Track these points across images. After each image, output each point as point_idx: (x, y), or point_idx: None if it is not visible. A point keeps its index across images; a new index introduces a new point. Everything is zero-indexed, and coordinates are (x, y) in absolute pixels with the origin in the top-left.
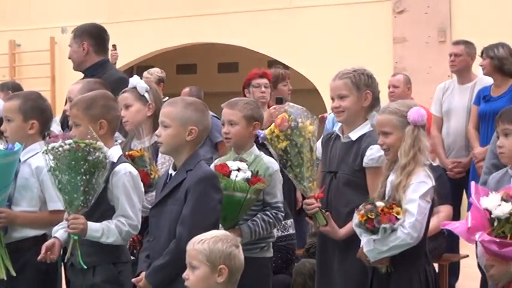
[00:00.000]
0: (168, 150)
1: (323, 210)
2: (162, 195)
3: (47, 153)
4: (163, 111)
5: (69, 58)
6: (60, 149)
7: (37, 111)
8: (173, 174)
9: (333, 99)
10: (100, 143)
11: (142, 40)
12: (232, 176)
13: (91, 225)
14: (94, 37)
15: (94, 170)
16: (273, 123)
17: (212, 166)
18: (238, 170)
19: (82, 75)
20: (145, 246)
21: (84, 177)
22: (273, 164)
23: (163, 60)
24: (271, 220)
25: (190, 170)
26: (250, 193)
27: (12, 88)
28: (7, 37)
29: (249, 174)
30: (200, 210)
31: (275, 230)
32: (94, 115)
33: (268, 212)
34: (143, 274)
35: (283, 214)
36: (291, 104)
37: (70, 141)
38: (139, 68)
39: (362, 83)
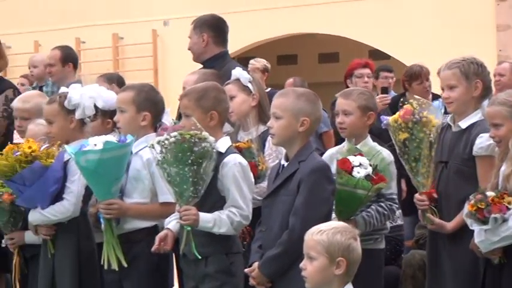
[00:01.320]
0: (280, 142)
1: (433, 208)
2: (274, 186)
3: (153, 147)
4: (275, 103)
5: (189, 49)
6: (166, 141)
7: (150, 103)
8: (285, 165)
9: (442, 89)
10: (205, 133)
11: (244, 31)
12: (355, 172)
13: (203, 215)
14: (214, 28)
15: (201, 160)
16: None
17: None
18: (360, 165)
19: (185, 67)
20: (258, 237)
21: (192, 168)
22: (389, 155)
23: (264, 51)
24: (385, 212)
25: (303, 160)
26: (372, 191)
27: (117, 81)
28: (110, 30)
29: (370, 170)
30: (313, 201)
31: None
32: (205, 106)
33: (382, 204)
34: (256, 265)
35: (397, 206)
36: (417, 97)
37: (175, 133)
38: (239, 59)
39: (471, 72)
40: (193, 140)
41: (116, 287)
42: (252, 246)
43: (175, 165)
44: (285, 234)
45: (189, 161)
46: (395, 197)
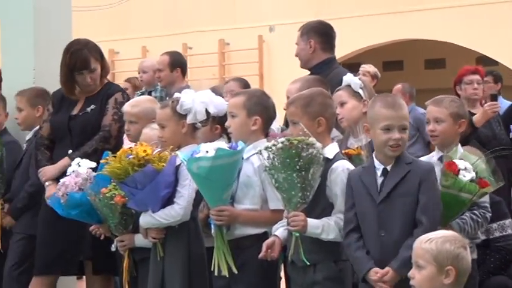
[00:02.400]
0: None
1: None
2: (387, 191)
3: (261, 153)
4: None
5: (296, 56)
6: (274, 147)
7: (261, 108)
8: (389, 169)
9: None
10: (312, 139)
11: (350, 37)
12: (461, 175)
13: (311, 221)
14: (321, 34)
15: (309, 166)
16: None
17: None
18: (465, 169)
19: (291, 73)
20: (359, 245)
21: (299, 174)
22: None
23: (370, 57)
24: (479, 220)
25: (409, 162)
26: (477, 196)
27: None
28: (217, 36)
29: (473, 174)
30: (437, 200)
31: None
32: (312, 112)
33: (476, 211)
34: (388, 269)
35: (490, 214)
36: None
37: (283, 139)
38: (344, 65)
39: None
40: (300, 146)
41: None
42: (357, 254)
43: (283, 171)
44: (419, 232)
45: (297, 167)
46: (487, 205)
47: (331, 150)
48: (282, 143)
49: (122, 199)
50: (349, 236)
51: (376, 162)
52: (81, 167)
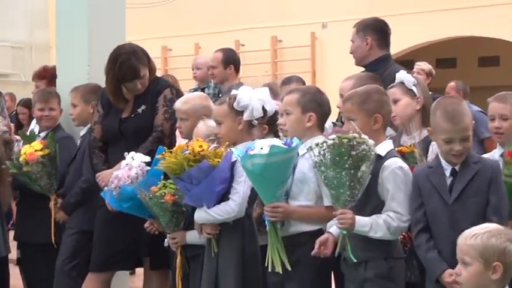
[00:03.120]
0: None
1: None
2: (458, 191)
3: (312, 150)
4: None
5: (351, 53)
6: (325, 144)
7: (315, 104)
8: (457, 170)
9: None
10: (364, 136)
11: (403, 34)
12: None
13: (359, 219)
14: (377, 31)
15: (359, 164)
16: None
17: None
18: None
19: (343, 70)
20: (430, 246)
21: (349, 172)
22: None
23: (423, 54)
24: None
25: (477, 162)
26: None
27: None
28: (269, 33)
29: None
30: (505, 200)
31: None
32: (369, 109)
33: None
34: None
35: None
36: None
37: (333, 136)
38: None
39: None
40: (351, 144)
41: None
42: (429, 255)
43: (333, 168)
44: None
45: (346, 165)
46: None
47: (384, 147)
48: (333, 140)
49: (172, 197)
50: (420, 237)
51: (443, 162)
52: (134, 161)
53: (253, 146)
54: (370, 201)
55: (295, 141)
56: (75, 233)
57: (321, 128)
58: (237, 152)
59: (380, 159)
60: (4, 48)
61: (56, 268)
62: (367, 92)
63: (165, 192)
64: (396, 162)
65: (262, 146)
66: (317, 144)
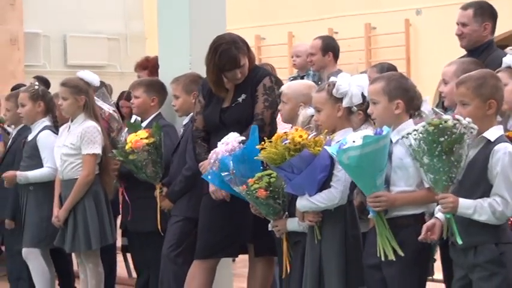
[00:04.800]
0: None
1: None
2: None
3: (406, 137)
4: None
5: (459, 35)
6: (417, 132)
7: (401, 91)
8: None
9: None
10: (458, 117)
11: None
12: None
13: (463, 202)
14: (494, 17)
15: (454, 147)
16: None
17: None
18: None
19: (437, 56)
20: None
21: (441, 158)
22: None
23: None
24: None
25: None
26: None
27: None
28: (363, 20)
29: None
30: None
31: None
32: (484, 94)
33: None
34: None
35: None
36: None
37: (424, 123)
38: None
39: None
40: (440, 129)
41: (377, 271)
42: None
43: (428, 154)
44: None
45: (437, 152)
46: None
47: (494, 132)
48: (423, 127)
49: (265, 192)
50: None
51: None
52: (229, 138)
53: (345, 140)
54: (480, 187)
55: (386, 129)
56: (180, 221)
57: (409, 112)
58: (331, 149)
59: (490, 144)
60: (100, 40)
61: (162, 255)
62: (483, 77)
63: (256, 189)
64: (506, 147)
65: (354, 139)
66: (411, 132)
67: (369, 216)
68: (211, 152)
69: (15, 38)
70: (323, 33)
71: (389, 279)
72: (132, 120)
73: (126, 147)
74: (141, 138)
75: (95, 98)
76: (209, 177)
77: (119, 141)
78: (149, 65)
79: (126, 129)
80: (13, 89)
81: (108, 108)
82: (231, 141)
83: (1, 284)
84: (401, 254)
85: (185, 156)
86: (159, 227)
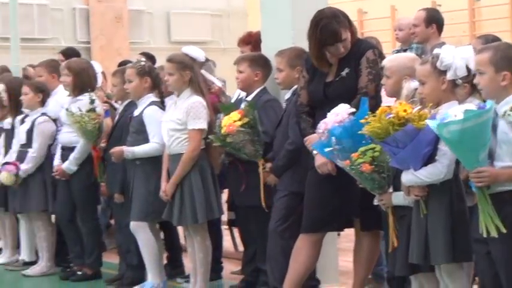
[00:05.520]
0: None
1: None
2: None
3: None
4: None
5: None
6: None
7: (508, 62)
8: None
9: None
10: None
11: None
12: None
13: None
14: None
15: None
16: None
17: None
18: None
19: None
20: None
21: None
22: None
23: None
24: None
25: None
26: None
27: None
28: None
29: None
30: None
31: None
32: None
33: None
34: None
35: None
36: None
37: None
38: None
39: None
40: None
41: (485, 245)
42: None
43: None
44: None
45: None
46: None
47: None
48: None
49: (370, 167)
50: None
51: None
52: (339, 108)
53: (447, 115)
54: None
55: (489, 104)
56: (285, 195)
57: None
58: (431, 123)
59: None
60: (203, 16)
61: (269, 230)
62: None
63: (360, 163)
64: None
65: (455, 113)
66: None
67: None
68: (321, 122)
69: (119, 16)
70: (426, 5)
71: (495, 256)
72: (236, 95)
73: (222, 131)
74: (234, 121)
75: (204, 72)
76: (318, 148)
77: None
78: (252, 40)
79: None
80: (119, 65)
81: (217, 82)
82: (341, 112)
83: (111, 256)
84: (504, 230)
85: (288, 130)
86: (263, 202)
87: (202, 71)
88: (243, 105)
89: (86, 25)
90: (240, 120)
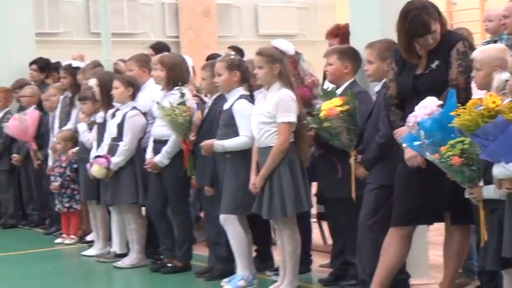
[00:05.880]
0: None
1: None
2: None
3: None
4: None
5: None
6: None
7: None
8: None
9: None
10: None
11: None
12: None
13: None
14: None
15: None
16: None
17: None
18: None
19: None
20: None
21: None
22: None
23: None
24: None
25: None
26: None
27: None
28: None
29: None
30: None
31: None
32: None
33: None
34: None
35: None
36: None
37: None
38: None
39: None
40: None
41: None
42: None
43: None
44: None
45: None
46: None
47: None
48: None
49: (459, 159)
50: None
51: None
52: (427, 102)
53: None
54: None
55: None
56: (375, 188)
57: None
58: None
59: None
60: (291, 9)
61: (359, 223)
62: None
63: (449, 156)
64: None
65: None
66: None
67: None
68: (410, 115)
69: (208, 10)
70: None
71: None
72: (325, 87)
73: (321, 114)
74: (335, 106)
75: (303, 64)
76: (407, 141)
77: (312, 113)
78: (340, 33)
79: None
80: (207, 58)
81: (310, 75)
82: (430, 104)
83: (200, 249)
84: None
85: (378, 123)
86: (353, 194)
87: (302, 64)
88: None
89: (174, 19)
90: (341, 106)
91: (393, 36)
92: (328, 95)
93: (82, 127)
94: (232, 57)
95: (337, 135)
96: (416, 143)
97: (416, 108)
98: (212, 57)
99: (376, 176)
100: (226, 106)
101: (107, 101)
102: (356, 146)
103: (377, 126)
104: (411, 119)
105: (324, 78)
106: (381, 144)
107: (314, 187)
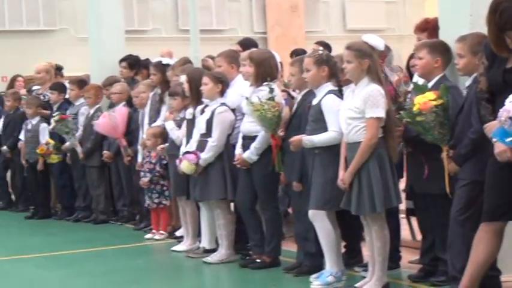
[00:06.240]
0: None
1: None
2: None
3: None
4: None
5: None
6: None
7: None
8: None
9: None
10: None
11: None
12: None
13: None
14: None
15: None
16: None
17: None
18: None
19: None
20: None
21: None
22: None
23: None
24: None
25: None
26: None
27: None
28: None
29: None
30: None
31: None
32: None
33: None
34: None
35: None
36: None
37: None
38: None
39: None
40: None
41: None
42: None
43: None
44: None
45: None
46: None
47: None
48: None
49: None
50: None
51: None
52: None
53: None
54: None
55: None
56: (466, 184)
57: None
58: None
59: None
60: (378, 4)
61: (451, 218)
62: None
63: None
64: None
65: None
66: None
67: None
68: (501, 110)
69: (295, 5)
70: None
71: None
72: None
73: (414, 108)
74: (429, 100)
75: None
76: (498, 136)
77: (405, 107)
78: (429, 27)
79: (411, 89)
80: (292, 52)
81: (399, 71)
82: None
83: (289, 244)
84: None
85: (469, 118)
86: (448, 189)
87: (391, 60)
88: None
89: (262, 16)
90: (435, 100)
91: (482, 29)
92: (420, 89)
93: (170, 125)
94: (321, 52)
95: (430, 130)
96: (508, 139)
97: (507, 102)
98: (296, 51)
99: (468, 171)
100: (315, 101)
101: (196, 97)
102: (449, 140)
103: (468, 122)
104: (503, 113)
105: (409, 72)
106: (474, 139)
107: (402, 183)
